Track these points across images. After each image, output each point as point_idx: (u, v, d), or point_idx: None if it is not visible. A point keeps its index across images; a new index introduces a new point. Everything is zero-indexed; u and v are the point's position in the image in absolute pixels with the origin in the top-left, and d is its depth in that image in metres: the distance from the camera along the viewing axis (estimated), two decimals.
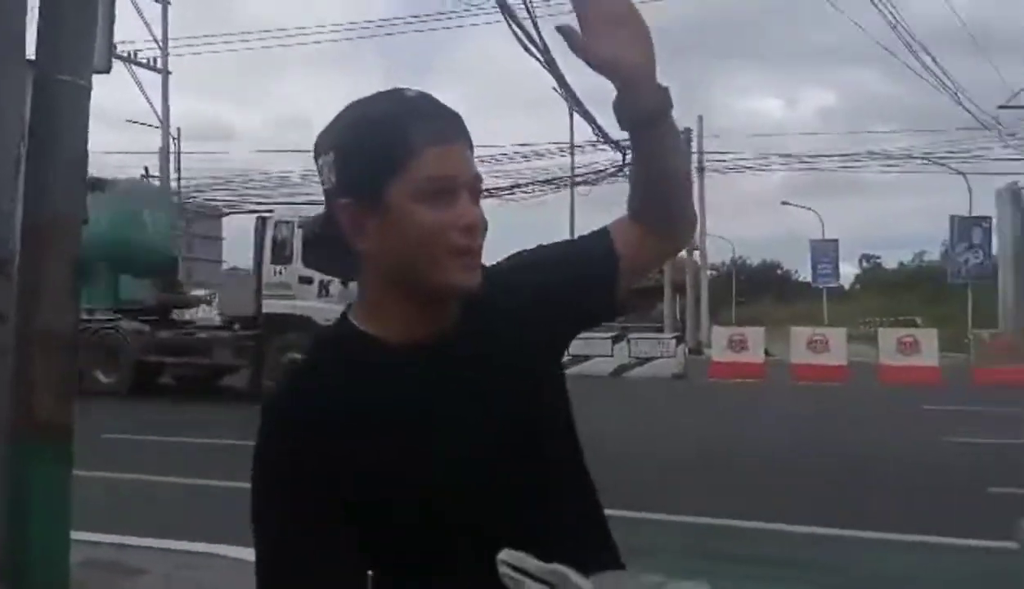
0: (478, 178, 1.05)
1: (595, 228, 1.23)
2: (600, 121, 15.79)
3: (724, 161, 29.94)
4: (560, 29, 1.08)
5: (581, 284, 1.15)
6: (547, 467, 1.11)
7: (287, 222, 13.85)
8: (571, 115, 23.74)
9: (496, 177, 25.35)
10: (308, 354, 1.12)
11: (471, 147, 1.06)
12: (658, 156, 1.13)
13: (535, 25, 14.34)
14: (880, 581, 4.93)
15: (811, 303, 37.13)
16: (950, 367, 17.46)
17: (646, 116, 1.10)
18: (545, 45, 14.75)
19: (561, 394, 1.17)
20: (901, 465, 8.44)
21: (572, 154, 26.56)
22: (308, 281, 13.26)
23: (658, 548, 4.71)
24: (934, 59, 20.28)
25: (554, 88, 20.79)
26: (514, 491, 1.06)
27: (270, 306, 13.72)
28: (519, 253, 1.21)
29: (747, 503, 6.46)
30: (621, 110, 1.10)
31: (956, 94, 20.87)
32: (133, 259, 15.37)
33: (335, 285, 13.01)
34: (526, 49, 14.27)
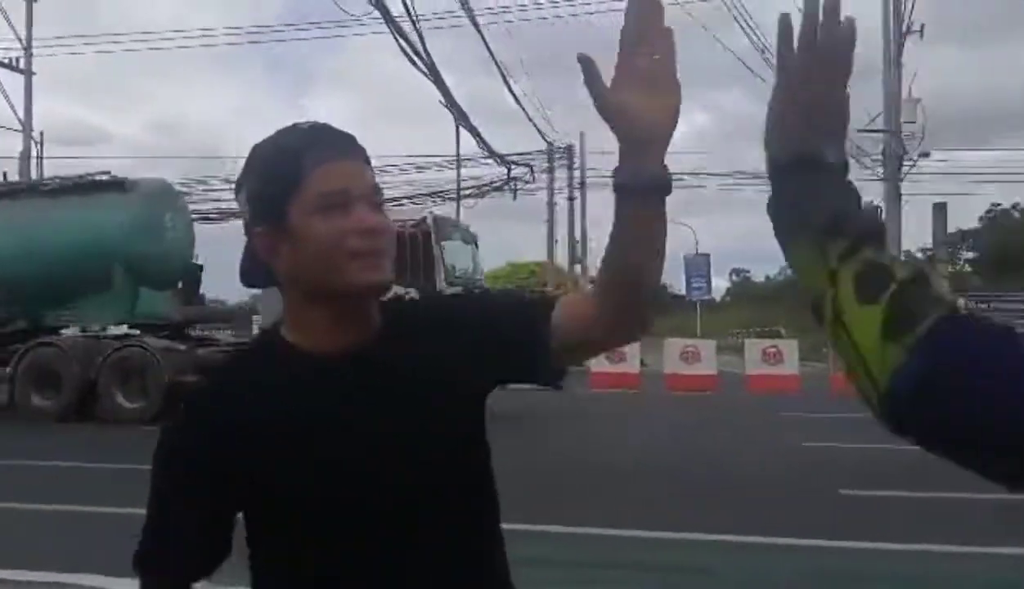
0: (374, 189, 1.15)
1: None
2: (485, 134, 16.06)
3: (604, 177, 30.82)
4: (581, 60, 1.03)
5: (510, 344, 1.16)
6: (437, 502, 1.14)
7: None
8: (457, 129, 23.95)
9: (384, 188, 25.12)
10: (233, 356, 1.25)
11: (367, 162, 1.17)
12: (638, 236, 1.10)
13: (421, 39, 14.42)
14: (739, 582, 5.23)
15: (685, 315, 38.59)
16: (811, 375, 18.53)
17: (644, 184, 1.07)
18: (431, 59, 14.86)
19: (473, 443, 1.20)
20: (760, 470, 8.92)
21: (458, 167, 26.76)
22: None
23: (541, 560, 4.88)
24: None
25: (440, 101, 20.97)
26: (399, 513, 1.12)
27: None
28: (467, 292, 1.32)
29: (617, 510, 6.74)
30: (620, 172, 1.07)
31: None
32: (155, 268, 13.57)
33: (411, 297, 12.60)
34: (412, 62, 14.39)
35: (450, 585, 1.15)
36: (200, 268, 14.99)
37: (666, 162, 1.07)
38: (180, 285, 14.46)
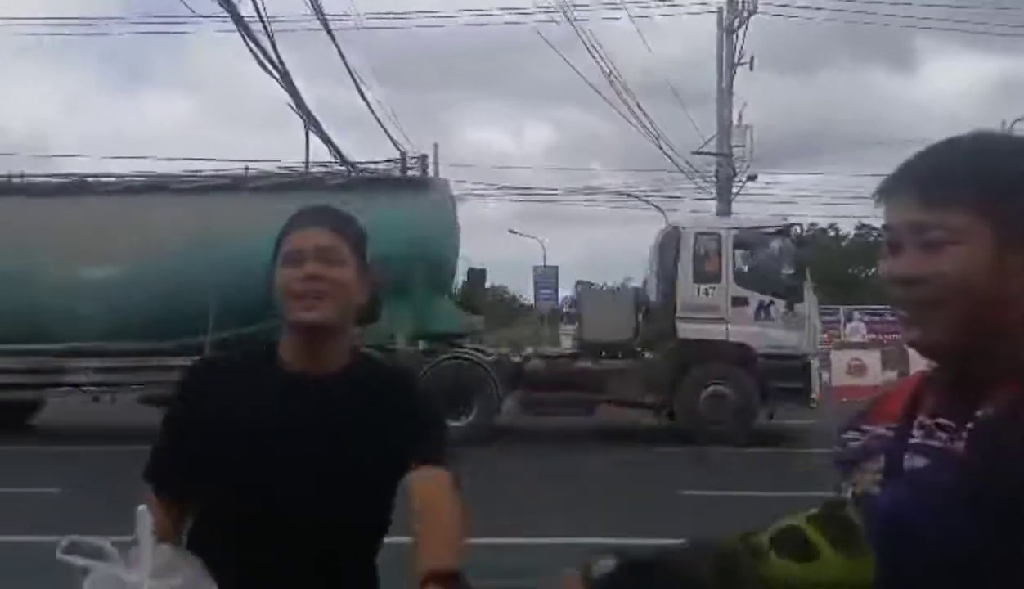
0: (325, 249, 1.52)
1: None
2: (334, 139, 15.93)
3: (458, 190, 31.13)
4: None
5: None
6: (343, 526, 1.52)
7: (712, 234, 11.97)
8: (307, 134, 23.52)
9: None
10: (237, 350, 1.69)
11: (337, 230, 1.56)
12: None
13: (271, 41, 14.12)
14: None
15: (534, 324, 39.41)
16: None
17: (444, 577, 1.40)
18: (281, 62, 14.60)
19: (382, 498, 1.57)
20: (603, 475, 9.35)
21: (307, 173, 26.17)
22: (743, 302, 11.55)
23: None
24: (640, 106, 22.76)
25: (289, 105, 20.50)
26: (298, 525, 1.48)
27: (688, 331, 11.53)
28: (426, 389, 1.73)
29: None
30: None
31: (657, 139, 23.50)
32: (448, 274, 12.46)
33: (777, 307, 11.49)
34: (261, 65, 14.08)
35: None
36: (484, 272, 14.06)
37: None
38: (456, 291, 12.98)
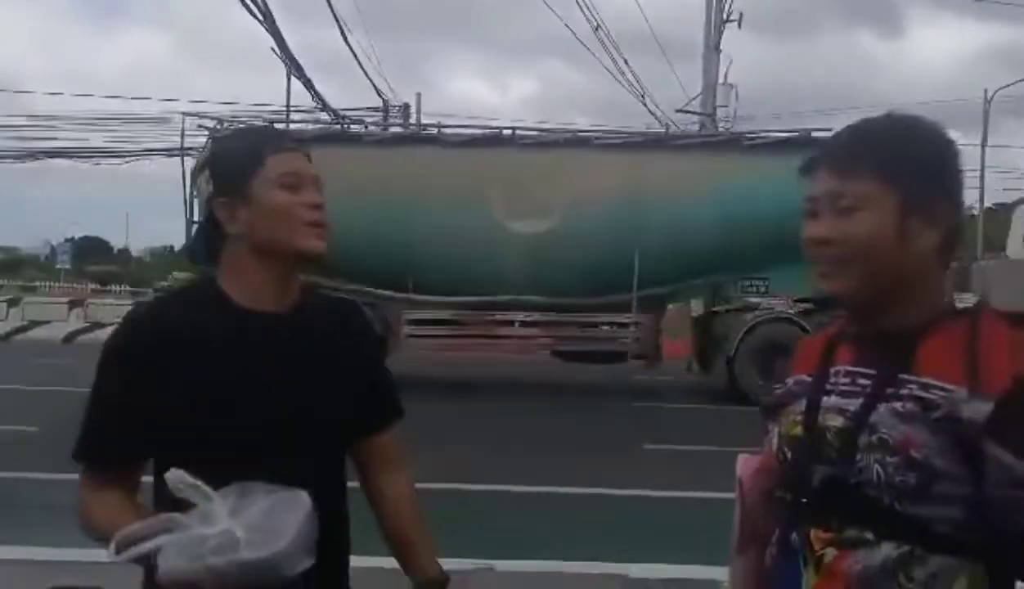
0: (318, 177, 1.45)
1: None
2: (319, 88, 15.69)
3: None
4: None
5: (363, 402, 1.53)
6: (309, 453, 1.41)
7: None
8: (289, 78, 23.12)
9: (203, 136, 24.03)
10: (174, 293, 1.53)
11: (308, 158, 1.47)
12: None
13: None
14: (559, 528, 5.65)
15: None
16: None
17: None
18: (265, 3, 14.30)
19: (340, 426, 1.49)
20: (575, 428, 9.53)
21: (288, 119, 25.85)
22: None
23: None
24: (626, 61, 22.55)
25: (272, 48, 20.15)
26: (271, 452, 1.34)
27: None
28: (365, 315, 1.64)
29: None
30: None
31: (642, 96, 23.36)
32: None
33: None
34: (244, 5, 13.80)
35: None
36: None
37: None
38: None
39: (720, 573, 1.36)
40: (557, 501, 6.28)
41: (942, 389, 1.07)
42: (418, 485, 1.60)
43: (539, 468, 7.26)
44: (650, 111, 24.58)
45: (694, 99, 24.22)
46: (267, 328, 1.40)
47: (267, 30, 14.23)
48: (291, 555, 1.17)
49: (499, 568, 4.28)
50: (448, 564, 1.58)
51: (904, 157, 1.16)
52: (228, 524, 1.17)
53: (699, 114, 24.38)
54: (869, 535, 1.08)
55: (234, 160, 1.44)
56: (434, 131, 12.98)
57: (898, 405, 1.09)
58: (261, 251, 1.41)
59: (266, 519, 1.18)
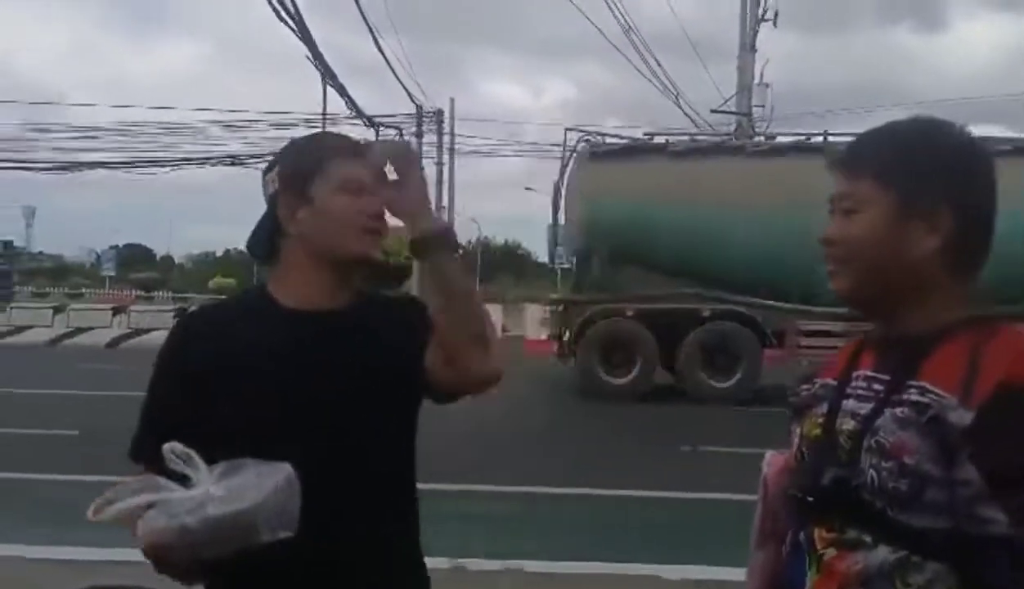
0: (378, 187, 1.43)
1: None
2: (352, 93, 15.82)
3: (473, 144, 31.04)
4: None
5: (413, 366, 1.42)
6: (360, 461, 1.39)
7: None
8: (324, 86, 23.40)
9: (243, 144, 24.46)
10: (225, 300, 1.59)
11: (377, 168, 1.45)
12: (440, 283, 1.36)
13: None
14: (595, 529, 5.63)
15: (547, 282, 39.46)
16: None
17: (420, 242, 1.36)
18: (299, 13, 14.47)
19: (402, 424, 1.47)
20: (610, 429, 9.54)
21: (324, 126, 26.14)
22: None
23: None
24: (659, 62, 22.50)
25: (307, 56, 20.38)
26: (318, 455, 1.32)
27: None
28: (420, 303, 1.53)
29: (488, 467, 7.07)
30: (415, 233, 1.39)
31: (676, 97, 23.23)
32: None
33: None
34: (279, 16, 13.97)
35: (356, 527, 1.38)
36: None
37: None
38: None
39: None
40: None
41: (937, 395, 1.07)
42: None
43: None
44: (684, 113, 24.34)
45: (729, 99, 24.02)
46: (315, 326, 1.41)
47: (300, 39, 14.35)
48: (256, 514, 1.18)
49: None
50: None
51: (903, 160, 1.16)
52: (208, 487, 1.20)
53: (735, 114, 24.16)
54: (867, 538, 1.09)
55: (300, 160, 1.46)
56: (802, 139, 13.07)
57: (899, 411, 1.09)
58: (317, 253, 1.44)
59: (242, 483, 1.20)
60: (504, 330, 19.85)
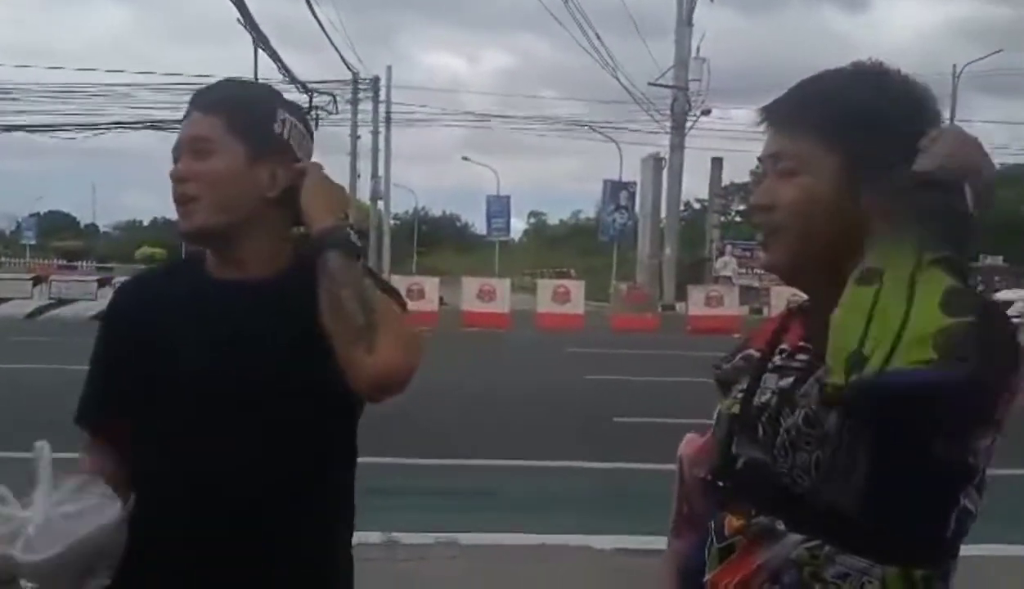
0: (194, 139, 1.31)
1: None
2: (285, 59, 15.45)
3: (410, 113, 30.68)
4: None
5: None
6: (260, 429, 1.29)
7: None
8: (255, 51, 22.78)
9: (167, 109, 23.69)
10: (165, 264, 1.56)
11: (207, 110, 1.33)
12: (323, 282, 1.25)
13: None
14: (518, 501, 5.71)
15: (485, 254, 39.47)
16: (595, 314, 19.76)
17: (315, 241, 1.28)
18: None
19: (309, 432, 1.33)
20: (547, 401, 9.59)
21: None
22: None
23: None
24: (598, 35, 22.50)
25: (238, 20, 19.82)
26: (222, 414, 1.28)
27: None
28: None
29: (408, 440, 7.06)
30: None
31: (615, 70, 23.34)
32: None
33: None
34: None
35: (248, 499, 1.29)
36: None
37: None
38: None
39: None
40: None
41: None
42: None
43: None
44: (622, 85, 24.44)
45: (666, 72, 24.20)
46: (222, 295, 1.33)
47: (232, 2, 13.94)
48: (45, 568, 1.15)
49: None
50: None
51: (852, 115, 1.01)
52: (39, 513, 1.17)
53: (672, 87, 24.32)
54: (780, 525, 0.99)
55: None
56: None
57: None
58: None
59: (60, 522, 1.18)
60: (441, 302, 19.77)
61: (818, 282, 1.06)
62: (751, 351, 1.14)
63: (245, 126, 1.32)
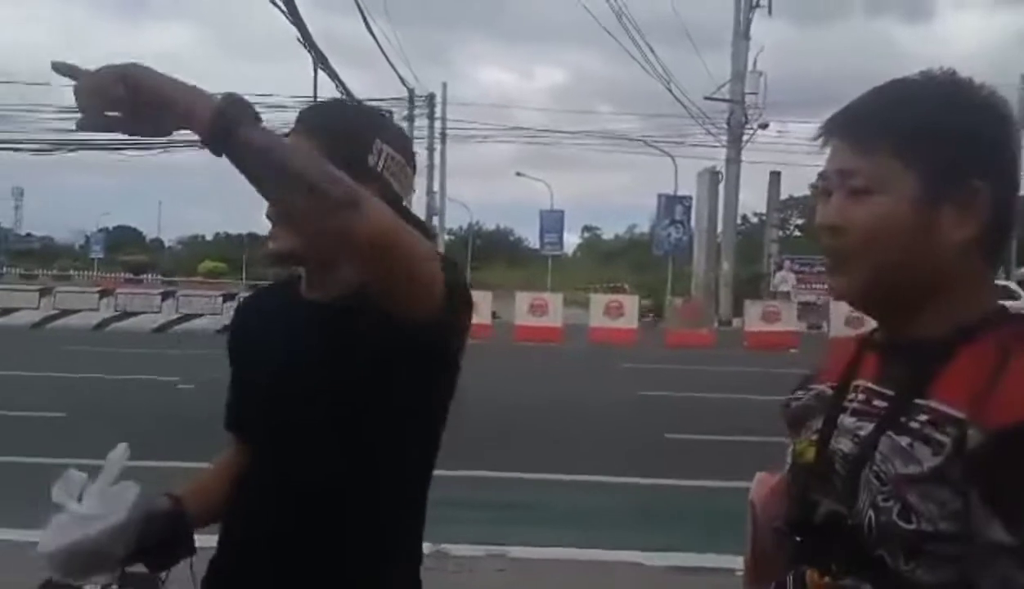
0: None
1: None
2: (343, 77, 15.74)
3: (465, 129, 30.96)
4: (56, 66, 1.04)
5: None
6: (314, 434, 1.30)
7: None
8: (315, 69, 23.26)
9: None
10: (276, 282, 1.58)
11: (306, 131, 1.33)
12: (246, 171, 1.11)
13: None
14: (565, 516, 5.68)
15: (538, 269, 39.51)
16: (648, 329, 19.63)
17: (207, 140, 1.09)
18: None
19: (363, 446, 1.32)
20: (596, 415, 9.53)
21: None
22: None
23: None
24: (652, 49, 22.49)
25: (298, 39, 20.27)
26: (278, 433, 1.33)
27: None
28: None
29: (470, 453, 7.08)
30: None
31: (668, 83, 23.21)
32: None
33: None
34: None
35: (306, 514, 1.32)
36: None
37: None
38: None
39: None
40: None
41: (951, 418, 0.87)
42: None
43: None
44: (676, 99, 24.32)
45: (723, 86, 23.99)
46: (304, 314, 1.35)
47: (291, 21, 14.26)
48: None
49: None
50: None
51: (928, 130, 0.93)
52: (71, 514, 1.29)
53: (729, 102, 24.10)
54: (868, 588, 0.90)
55: None
56: None
57: (903, 440, 0.89)
58: None
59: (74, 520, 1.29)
60: (495, 316, 19.84)
61: (892, 313, 0.98)
62: (822, 387, 1.04)
63: (342, 156, 1.19)
